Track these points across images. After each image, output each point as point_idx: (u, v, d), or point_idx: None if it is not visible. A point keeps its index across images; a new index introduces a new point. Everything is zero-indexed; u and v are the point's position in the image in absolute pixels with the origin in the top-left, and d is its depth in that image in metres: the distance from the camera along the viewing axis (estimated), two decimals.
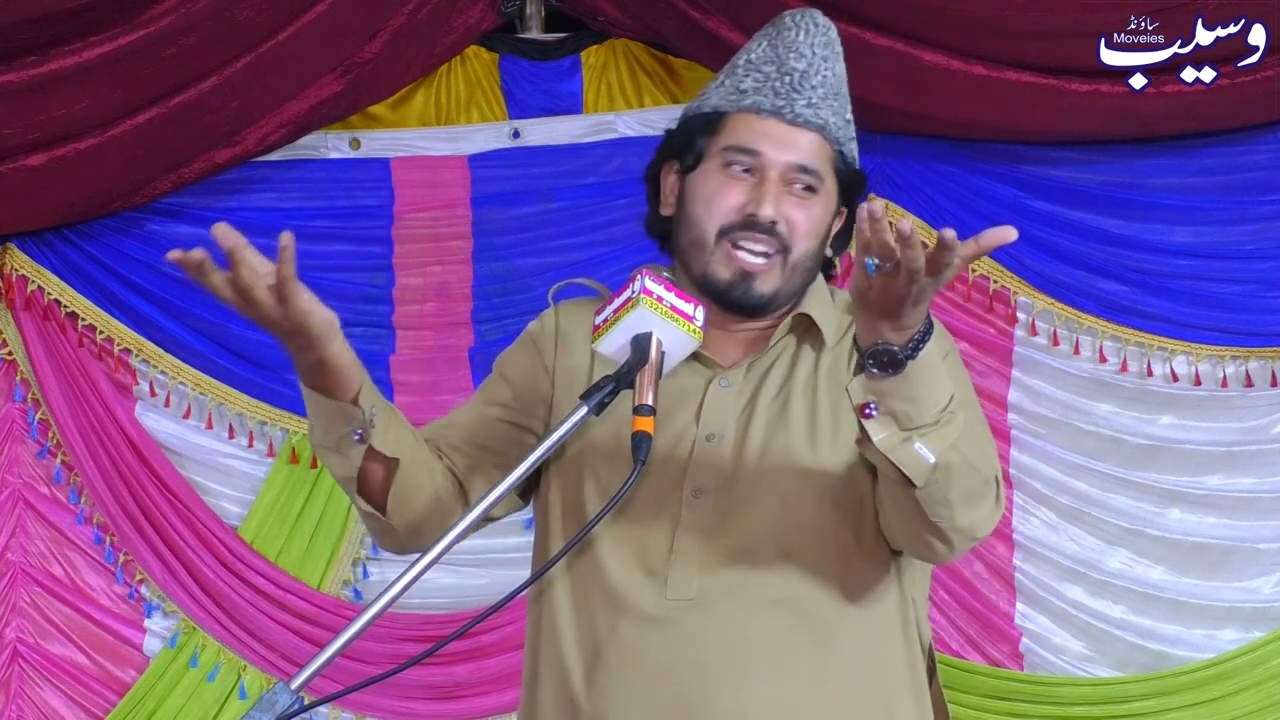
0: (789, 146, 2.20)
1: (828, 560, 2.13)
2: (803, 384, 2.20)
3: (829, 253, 2.29)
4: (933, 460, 1.94)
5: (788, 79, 2.21)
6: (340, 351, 2.07)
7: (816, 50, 2.23)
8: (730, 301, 2.21)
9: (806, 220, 2.20)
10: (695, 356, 2.21)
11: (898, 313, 1.87)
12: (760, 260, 2.19)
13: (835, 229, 2.28)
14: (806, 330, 2.25)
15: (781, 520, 2.14)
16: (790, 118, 2.20)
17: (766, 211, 2.17)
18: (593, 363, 2.25)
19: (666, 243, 2.32)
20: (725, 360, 2.24)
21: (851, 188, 2.26)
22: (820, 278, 2.28)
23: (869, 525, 2.16)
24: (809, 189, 2.21)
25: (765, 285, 2.20)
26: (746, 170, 2.20)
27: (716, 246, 2.19)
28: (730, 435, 2.18)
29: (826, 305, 2.26)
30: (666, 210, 2.29)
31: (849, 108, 2.27)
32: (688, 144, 2.25)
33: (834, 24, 2.29)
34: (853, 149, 2.27)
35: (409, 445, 2.18)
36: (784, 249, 2.19)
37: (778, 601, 2.12)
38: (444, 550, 1.90)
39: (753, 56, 2.25)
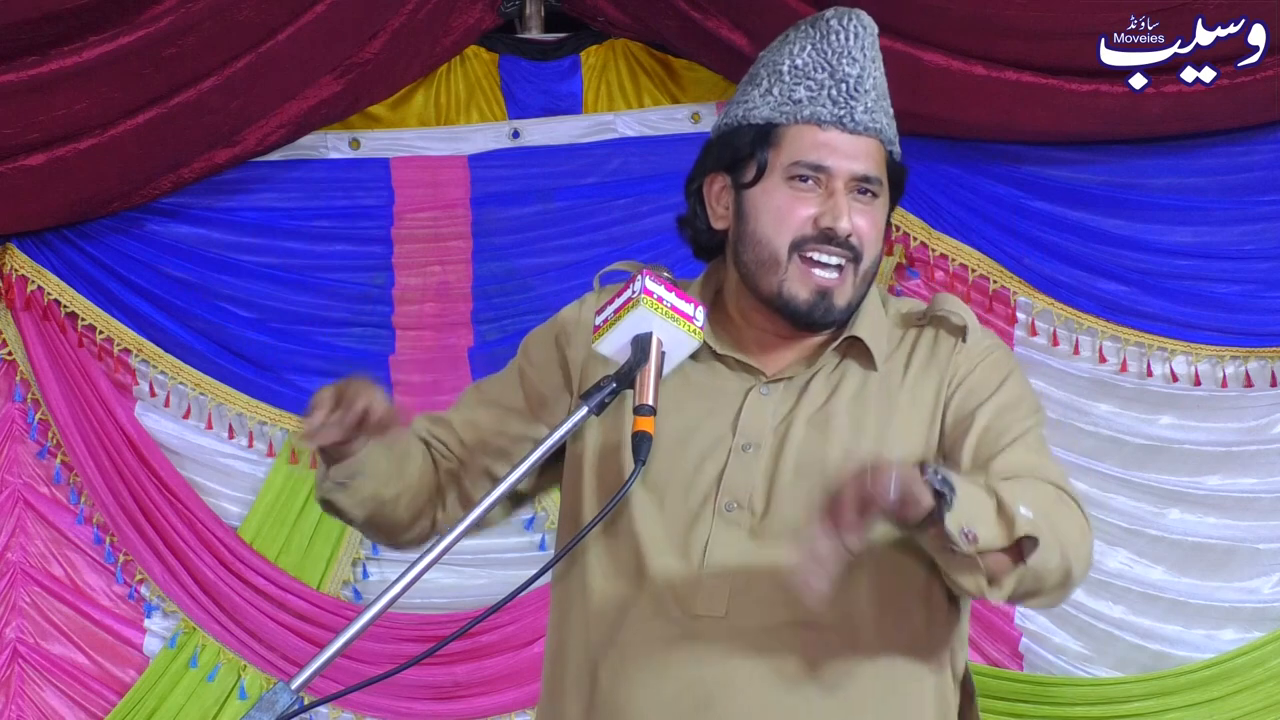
0: (853, 156, 2.18)
1: (859, 585, 2.11)
2: (847, 401, 2.18)
3: None
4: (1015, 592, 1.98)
5: (844, 85, 2.18)
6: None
7: (867, 53, 2.20)
8: (811, 322, 2.19)
9: (872, 227, 2.19)
10: (741, 363, 2.21)
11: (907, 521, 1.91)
12: (834, 275, 2.17)
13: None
14: (853, 345, 2.23)
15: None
16: (851, 126, 2.18)
17: (844, 225, 2.16)
18: None
19: (711, 255, 2.30)
20: (769, 369, 2.22)
21: (899, 184, 2.26)
22: (874, 288, 2.27)
23: (902, 547, 2.13)
24: (872, 195, 2.20)
25: (841, 299, 2.18)
26: (812, 183, 2.18)
27: (790, 262, 2.17)
28: (766, 447, 2.16)
29: (878, 321, 2.24)
30: (720, 224, 2.25)
31: (890, 105, 2.26)
32: (741, 157, 2.21)
33: None
34: (898, 147, 2.25)
35: (387, 479, 2.22)
36: (856, 258, 2.18)
37: (805, 623, 2.10)
38: (443, 551, 1.90)
39: (799, 62, 2.20)
